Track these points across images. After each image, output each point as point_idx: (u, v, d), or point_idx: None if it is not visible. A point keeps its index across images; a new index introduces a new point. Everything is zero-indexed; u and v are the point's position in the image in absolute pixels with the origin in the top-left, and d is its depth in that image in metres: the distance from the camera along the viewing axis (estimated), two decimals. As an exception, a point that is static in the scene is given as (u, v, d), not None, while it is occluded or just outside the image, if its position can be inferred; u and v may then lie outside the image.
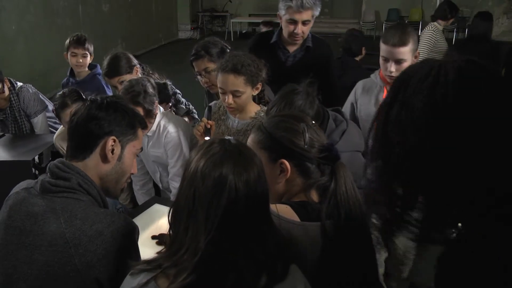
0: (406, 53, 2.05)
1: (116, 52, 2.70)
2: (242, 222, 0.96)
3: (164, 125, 2.31)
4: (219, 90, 2.03)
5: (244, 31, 12.53)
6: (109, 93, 3.22)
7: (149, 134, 2.31)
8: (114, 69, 2.58)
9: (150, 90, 2.21)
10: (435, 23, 4.48)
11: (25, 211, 1.21)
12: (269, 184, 1.24)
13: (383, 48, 2.10)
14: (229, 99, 1.98)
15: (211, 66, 2.36)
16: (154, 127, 2.30)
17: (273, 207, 1.13)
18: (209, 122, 2.05)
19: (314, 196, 1.25)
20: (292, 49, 2.58)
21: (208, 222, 0.94)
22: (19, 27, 6.30)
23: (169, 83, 2.78)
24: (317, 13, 2.46)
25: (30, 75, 5.92)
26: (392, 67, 2.08)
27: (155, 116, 2.28)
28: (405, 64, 2.05)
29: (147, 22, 10.36)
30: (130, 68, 2.63)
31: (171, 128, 2.30)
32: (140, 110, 2.14)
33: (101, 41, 7.46)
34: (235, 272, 0.94)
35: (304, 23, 2.43)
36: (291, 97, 1.69)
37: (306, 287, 1.03)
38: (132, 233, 1.24)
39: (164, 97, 2.65)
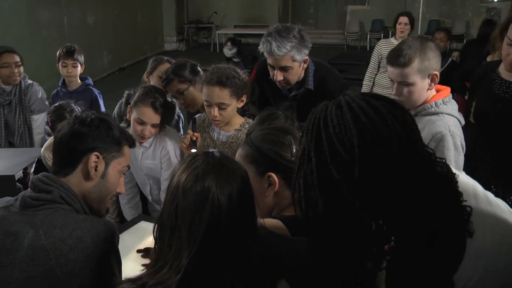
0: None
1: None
2: (226, 236, 0.94)
3: (161, 137, 2.31)
4: (205, 103, 2.04)
5: (230, 42, 12.60)
6: (101, 103, 3.25)
7: (146, 145, 2.30)
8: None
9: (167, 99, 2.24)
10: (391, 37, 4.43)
11: (4, 230, 1.18)
12: (258, 198, 1.21)
13: None
14: (215, 111, 2.00)
15: (183, 87, 2.37)
16: (151, 138, 2.30)
17: (263, 221, 1.12)
18: (195, 134, 2.06)
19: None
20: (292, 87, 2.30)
21: (190, 238, 0.92)
22: (3, 39, 6.23)
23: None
24: (299, 57, 2.11)
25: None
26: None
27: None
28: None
29: (133, 34, 10.35)
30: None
31: (169, 141, 2.30)
32: (157, 118, 2.16)
33: (87, 53, 7.31)
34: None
35: (283, 69, 2.14)
36: (270, 120, 1.68)
37: None
38: (113, 237, 1.22)
39: (170, 116, 2.66)
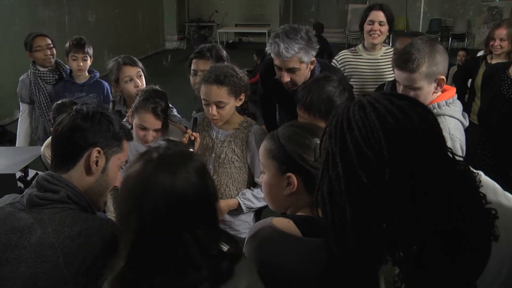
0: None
1: None
2: (168, 227, 0.94)
3: (165, 135, 2.26)
4: (203, 102, 2.04)
5: (230, 41, 12.60)
6: (111, 98, 3.20)
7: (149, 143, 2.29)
8: (134, 61, 2.62)
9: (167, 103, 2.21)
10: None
11: (10, 226, 1.18)
12: (275, 194, 1.23)
13: None
14: (213, 110, 2.00)
15: None
16: None
17: (274, 221, 1.13)
18: (194, 134, 2.06)
19: (321, 212, 1.24)
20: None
21: (126, 241, 0.94)
22: (4, 38, 6.26)
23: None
24: (306, 58, 2.09)
25: (15, 86, 5.87)
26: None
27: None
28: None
29: (134, 32, 10.36)
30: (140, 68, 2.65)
31: (173, 139, 2.27)
32: (159, 123, 2.14)
33: (88, 51, 7.45)
34: (164, 276, 0.94)
35: (291, 70, 2.13)
36: (323, 82, 1.73)
37: (250, 285, 0.99)
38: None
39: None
